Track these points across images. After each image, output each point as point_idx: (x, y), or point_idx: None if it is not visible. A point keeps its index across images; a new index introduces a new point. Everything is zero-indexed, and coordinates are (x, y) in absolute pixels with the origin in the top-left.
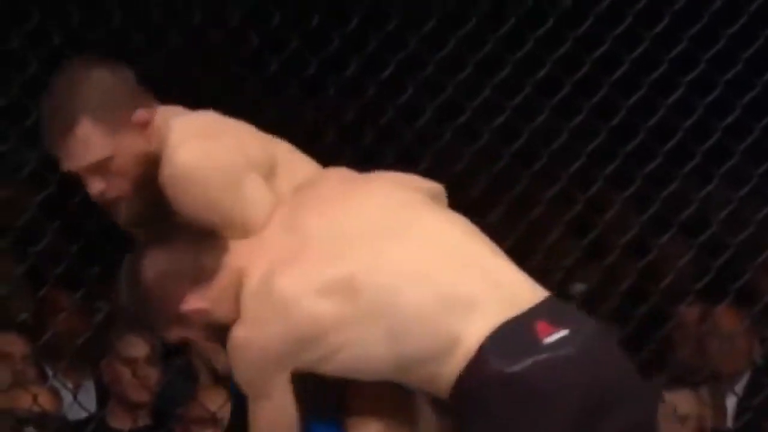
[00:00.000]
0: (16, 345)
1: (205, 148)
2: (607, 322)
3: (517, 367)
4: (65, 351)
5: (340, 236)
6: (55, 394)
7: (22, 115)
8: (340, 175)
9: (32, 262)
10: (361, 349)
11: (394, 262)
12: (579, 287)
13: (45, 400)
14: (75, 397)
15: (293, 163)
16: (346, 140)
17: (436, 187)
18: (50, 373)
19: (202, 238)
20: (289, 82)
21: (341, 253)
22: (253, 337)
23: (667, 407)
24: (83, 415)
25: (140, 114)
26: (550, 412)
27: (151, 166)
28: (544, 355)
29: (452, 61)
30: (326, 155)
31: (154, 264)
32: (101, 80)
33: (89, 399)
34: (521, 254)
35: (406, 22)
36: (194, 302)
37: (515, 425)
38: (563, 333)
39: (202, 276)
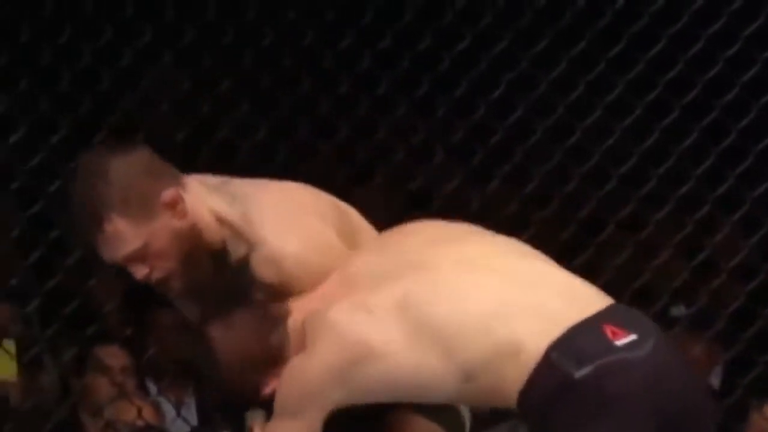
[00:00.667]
0: (117, 358)
1: (309, 243)
2: (714, 345)
3: (587, 370)
4: (167, 367)
5: (387, 269)
6: (157, 408)
7: None
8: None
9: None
10: (416, 364)
11: (440, 282)
12: (680, 310)
13: (148, 414)
14: (179, 413)
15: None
16: (455, 159)
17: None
18: (153, 388)
19: (265, 312)
20: (400, 102)
21: (388, 281)
22: (306, 360)
23: None
24: (186, 429)
25: (167, 195)
26: (622, 415)
27: (193, 240)
28: (615, 357)
29: (563, 81)
30: (436, 173)
31: (225, 352)
32: (120, 173)
33: (190, 415)
34: (630, 275)
35: (517, 42)
36: (272, 385)
37: (588, 429)
38: (633, 337)
39: (275, 357)
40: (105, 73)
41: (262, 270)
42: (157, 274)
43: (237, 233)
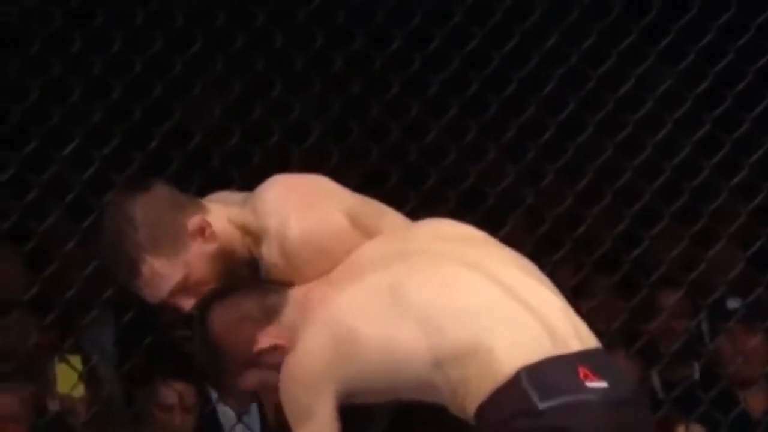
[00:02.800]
0: (180, 395)
1: (310, 222)
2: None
3: (551, 403)
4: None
5: (386, 255)
6: None
7: None
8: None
9: None
10: (399, 344)
11: (434, 271)
12: (736, 302)
13: None
14: (239, 419)
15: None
16: (507, 159)
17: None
18: (214, 394)
19: (264, 283)
20: (450, 102)
21: (383, 265)
22: (299, 355)
23: None
24: None
25: (194, 224)
26: None
27: (227, 258)
28: (582, 397)
29: (613, 75)
30: (489, 172)
31: (221, 315)
32: (144, 215)
33: (253, 421)
34: (685, 265)
35: (566, 38)
36: (266, 340)
37: None
38: (603, 384)
39: (269, 314)
40: (156, 81)
41: (268, 254)
42: (200, 297)
43: (255, 233)
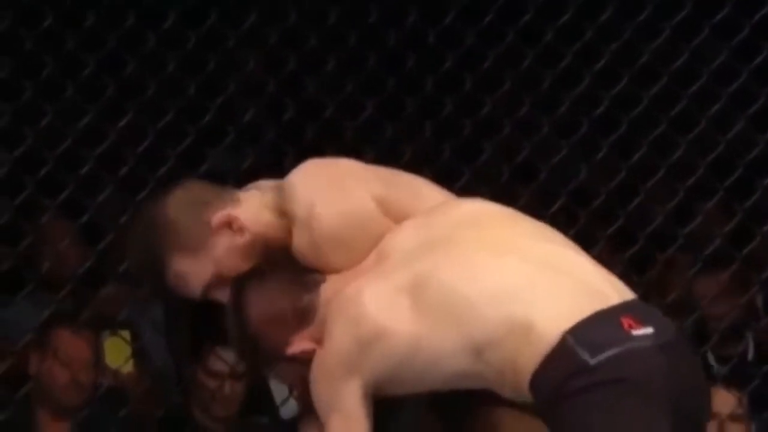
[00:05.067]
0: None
1: (337, 211)
2: None
3: (601, 357)
4: None
5: (414, 246)
6: None
7: None
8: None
9: None
10: (429, 341)
11: (461, 260)
12: None
13: None
14: (291, 393)
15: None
16: (561, 132)
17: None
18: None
19: (300, 275)
20: (504, 77)
21: (412, 258)
22: (325, 351)
23: None
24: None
25: (216, 220)
26: (637, 400)
27: (261, 247)
28: (631, 345)
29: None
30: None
31: (256, 310)
32: (164, 217)
33: None
34: (737, 241)
35: (620, 13)
36: (298, 345)
37: (603, 411)
38: (649, 330)
39: (303, 317)
40: (189, 81)
41: (298, 243)
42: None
43: (291, 217)
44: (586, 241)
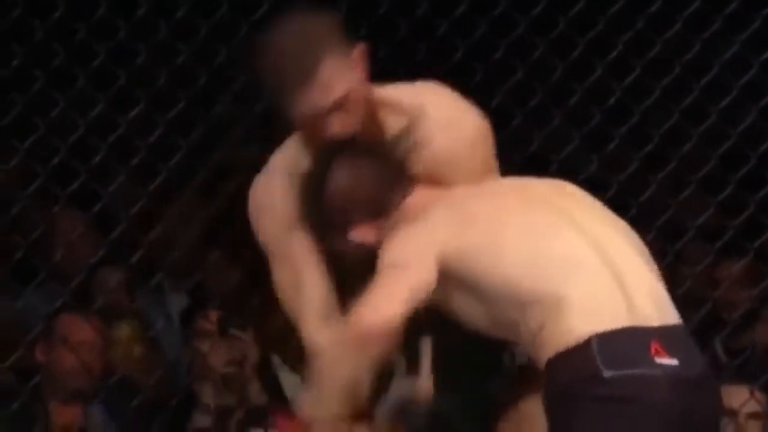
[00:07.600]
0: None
1: (453, 105)
2: None
3: (617, 373)
4: None
5: (503, 189)
6: None
7: None
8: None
9: None
10: (503, 259)
11: (538, 222)
12: None
13: None
14: None
15: None
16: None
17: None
18: (276, 361)
19: (394, 174)
20: (515, 66)
21: (499, 197)
22: (413, 225)
23: None
24: None
25: (359, 50)
26: (638, 421)
27: (372, 105)
28: (648, 371)
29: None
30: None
31: (341, 179)
32: (329, 23)
33: None
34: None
35: (632, 4)
36: (362, 234)
37: (607, 426)
38: (673, 361)
39: (377, 211)
40: (200, 70)
41: (429, 141)
42: (346, 132)
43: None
44: None
